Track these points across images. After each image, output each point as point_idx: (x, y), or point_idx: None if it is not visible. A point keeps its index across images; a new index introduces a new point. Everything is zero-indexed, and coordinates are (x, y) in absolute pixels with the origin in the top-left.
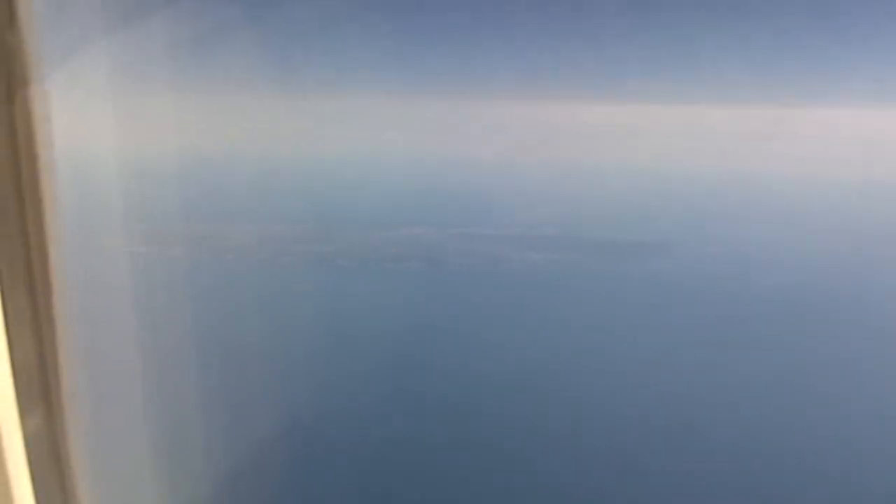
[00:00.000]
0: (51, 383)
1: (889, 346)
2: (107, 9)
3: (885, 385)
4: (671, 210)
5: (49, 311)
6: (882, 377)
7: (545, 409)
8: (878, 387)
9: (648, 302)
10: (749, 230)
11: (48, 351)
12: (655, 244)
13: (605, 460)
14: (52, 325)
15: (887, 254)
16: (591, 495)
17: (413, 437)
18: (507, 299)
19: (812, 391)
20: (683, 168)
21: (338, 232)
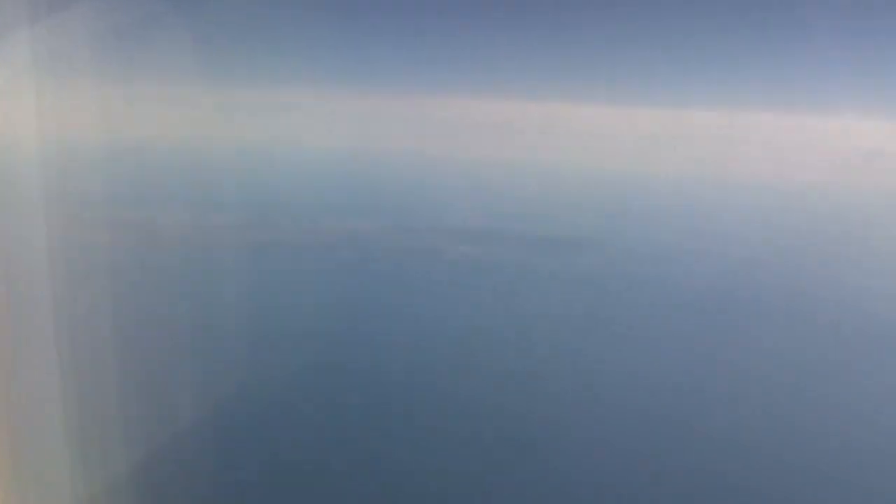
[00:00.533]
0: None
1: (792, 340)
2: (34, 1)
3: (793, 379)
4: (599, 208)
5: None
6: (798, 372)
7: (470, 393)
8: (788, 380)
9: (579, 296)
10: (677, 229)
11: None
12: (585, 240)
13: (513, 445)
14: None
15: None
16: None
17: (341, 420)
18: (441, 289)
19: (718, 389)
20: (613, 168)
21: (273, 222)
